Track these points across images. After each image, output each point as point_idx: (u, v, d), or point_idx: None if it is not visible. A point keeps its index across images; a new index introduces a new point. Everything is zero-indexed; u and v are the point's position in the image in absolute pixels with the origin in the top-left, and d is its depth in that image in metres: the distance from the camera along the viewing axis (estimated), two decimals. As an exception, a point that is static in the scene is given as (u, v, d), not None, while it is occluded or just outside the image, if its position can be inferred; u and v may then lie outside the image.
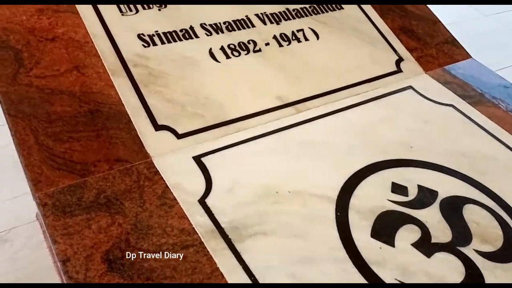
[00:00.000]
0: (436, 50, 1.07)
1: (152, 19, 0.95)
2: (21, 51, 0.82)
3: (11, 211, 1.33)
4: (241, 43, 0.97)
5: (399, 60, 1.03)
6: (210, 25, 0.98)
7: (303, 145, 0.80)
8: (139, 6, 0.96)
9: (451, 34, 1.15)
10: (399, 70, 1.00)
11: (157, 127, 0.78)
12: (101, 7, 0.93)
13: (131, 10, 0.95)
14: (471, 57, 1.12)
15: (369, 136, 0.83)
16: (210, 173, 0.73)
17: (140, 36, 0.91)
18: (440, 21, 1.16)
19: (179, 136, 0.78)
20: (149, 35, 0.92)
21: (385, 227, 0.70)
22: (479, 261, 0.68)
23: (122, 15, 0.94)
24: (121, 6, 0.94)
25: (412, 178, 0.77)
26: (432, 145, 0.84)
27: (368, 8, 1.14)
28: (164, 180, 0.71)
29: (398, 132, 0.85)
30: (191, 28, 0.96)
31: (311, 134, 0.82)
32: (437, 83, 0.97)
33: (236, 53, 0.95)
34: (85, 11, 0.91)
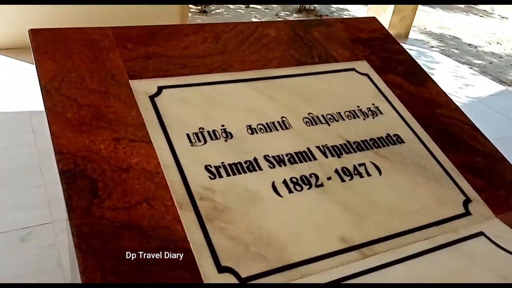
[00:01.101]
0: (505, 191, 1.04)
1: (219, 150, 0.98)
2: (97, 180, 0.86)
3: None
4: (303, 177, 0.98)
5: (467, 201, 1.00)
6: (273, 157, 1.00)
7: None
8: (207, 137, 1.00)
9: (519, 172, 1.12)
10: (467, 213, 0.97)
11: (220, 268, 0.78)
12: (173, 136, 0.98)
13: (199, 141, 0.99)
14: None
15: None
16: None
17: (207, 168, 0.94)
18: (506, 159, 1.14)
19: (242, 280, 0.77)
20: (215, 167, 0.95)
21: None
22: None
23: (192, 145, 0.98)
24: (191, 136, 0.99)
25: None
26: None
27: (430, 142, 1.14)
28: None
29: None
30: (255, 160, 0.99)
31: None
32: (510, 230, 0.93)
33: (298, 188, 0.96)
34: (158, 141, 0.96)
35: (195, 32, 1.23)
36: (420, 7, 4.49)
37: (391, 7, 4.01)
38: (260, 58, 1.22)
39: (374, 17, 1.50)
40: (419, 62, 4.24)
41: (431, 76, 3.64)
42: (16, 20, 2.76)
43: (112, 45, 1.10)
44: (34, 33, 1.05)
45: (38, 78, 0.98)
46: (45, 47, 1.03)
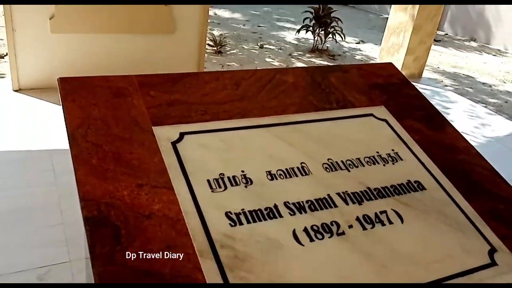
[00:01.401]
0: (530, 240, 1.02)
1: (239, 196, 0.99)
2: (120, 227, 0.87)
3: None
4: (324, 225, 0.98)
5: (492, 250, 0.98)
6: (294, 203, 1.00)
7: None
8: (227, 183, 1.01)
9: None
10: (493, 263, 0.95)
11: (243, 320, 0.77)
12: (194, 183, 0.99)
13: (220, 187, 1.00)
14: None
15: None
16: None
17: (227, 215, 0.95)
18: (529, 206, 1.12)
19: (265, 333, 0.75)
20: (236, 213, 0.95)
21: None
22: None
23: (212, 191, 0.98)
24: (212, 182, 1.00)
25: None
26: None
27: (452, 189, 1.14)
28: None
29: None
30: (275, 206, 0.99)
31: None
32: (537, 281, 0.90)
33: (319, 236, 0.95)
34: (180, 187, 0.97)
35: (216, 79, 1.26)
36: (432, 46, 4.53)
37: (404, 48, 4.06)
38: (279, 104, 1.24)
39: (390, 63, 1.52)
40: (434, 101, 4.25)
41: (446, 116, 3.67)
42: (41, 61, 2.86)
43: (136, 92, 1.13)
44: (63, 82, 1.09)
45: (65, 125, 1.00)
46: (73, 95, 1.07)
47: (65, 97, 1.05)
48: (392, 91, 1.41)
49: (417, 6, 3.86)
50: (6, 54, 4.10)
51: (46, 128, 2.54)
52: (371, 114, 1.30)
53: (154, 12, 3.00)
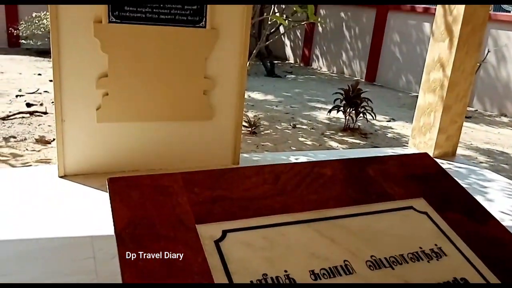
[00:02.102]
0: None
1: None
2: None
3: None
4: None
5: None
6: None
7: None
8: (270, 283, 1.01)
9: None
10: None
11: None
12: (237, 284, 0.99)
13: None
14: None
15: None
16: None
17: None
18: None
19: None
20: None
21: None
22: None
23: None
24: (255, 283, 1.00)
25: None
26: None
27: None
28: None
29: None
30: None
31: None
32: None
33: None
34: None
35: (256, 173, 1.31)
36: (463, 123, 4.52)
37: (436, 127, 4.08)
38: (319, 198, 1.26)
39: (426, 153, 1.54)
40: (470, 180, 4.15)
41: (484, 195, 3.54)
42: (86, 148, 3.01)
43: (181, 190, 1.18)
44: (112, 182, 1.15)
45: (114, 225, 1.05)
46: (121, 195, 1.12)
47: (114, 198, 1.11)
48: (430, 182, 1.41)
49: (445, 88, 3.92)
50: (53, 140, 4.35)
51: (87, 213, 2.62)
52: (411, 207, 1.30)
53: (193, 100, 3.16)
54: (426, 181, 1.41)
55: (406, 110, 7.21)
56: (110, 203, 1.11)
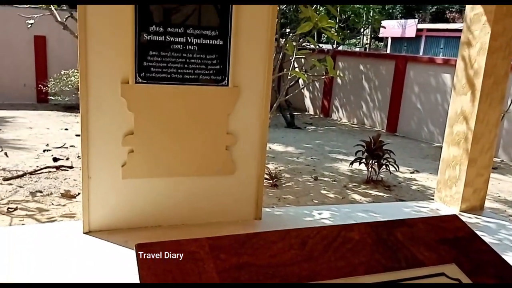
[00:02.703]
0: None
1: None
2: None
3: None
4: None
5: None
6: None
7: None
8: None
9: None
10: None
11: None
12: None
13: None
14: None
15: None
16: None
17: None
18: None
19: None
20: None
21: None
22: None
23: None
24: None
25: None
26: None
27: None
28: None
29: None
30: None
31: None
32: None
33: None
34: None
35: (282, 238, 1.29)
36: (491, 175, 4.42)
37: (462, 180, 4.00)
38: (347, 264, 1.24)
39: (455, 215, 1.51)
40: (500, 236, 4.02)
41: (517, 253, 3.32)
42: (111, 204, 3.04)
43: (207, 256, 1.17)
44: (139, 248, 1.15)
45: (141, 293, 1.04)
46: (148, 262, 1.12)
47: (142, 265, 1.11)
48: (461, 246, 1.37)
49: (469, 141, 3.88)
50: (78, 194, 4.42)
51: (112, 272, 2.61)
52: (442, 274, 1.26)
53: (216, 156, 3.20)
54: (457, 245, 1.37)
55: (429, 161, 7.13)
56: (138, 270, 1.11)
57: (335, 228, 1.37)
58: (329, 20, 4.06)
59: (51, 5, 5.57)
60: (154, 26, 2.80)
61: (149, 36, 2.81)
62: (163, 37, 2.84)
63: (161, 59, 2.87)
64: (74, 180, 4.98)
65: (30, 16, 6.48)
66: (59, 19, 5.99)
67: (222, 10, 2.92)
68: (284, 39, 8.70)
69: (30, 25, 6.00)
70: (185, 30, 2.87)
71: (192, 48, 2.92)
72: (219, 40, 2.96)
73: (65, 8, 5.98)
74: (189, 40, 2.90)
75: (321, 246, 1.28)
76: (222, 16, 2.92)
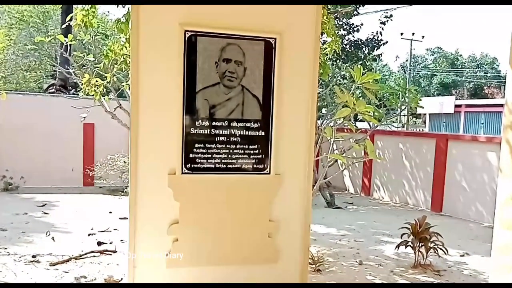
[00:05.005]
0: None
1: None
2: None
3: None
4: None
5: None
6: None
7: None
8: None
9: None
10: None
11: None
12: None
13: None
14: None
15: None
16: None
17: None
18: None
19: None
20: None
21: None
22: None
23: None
24: None
25: None
26: None
27: None
28: None
29: None
30: None
31: None
32: None
33: None
34: None
35: None
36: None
37: (519, 267, 3.77)
38: None
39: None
40: None
41: None
42: None
43: None
44: None
45: None
46: None
47: None
48: None
49: (524, 225, 3.71)
50: (121, 280, 4.43)
51: None
52: None
53: (259, 243, 3.20)
54: None
55: (480, 242, 6.78)
56: None
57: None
58: (367, 105, 4.16)
59: (102, 97, 5.99)
60: (200, 121, 2.96)
61: (195, 130, 2.96)
62: (208, 130, 2.99)
63: (206, 150, 3.00)
64: (117, 265, 5.02)
65: (82, 107, 6.96)
66: (108, 109, 6.40)
67: (264, 103, 3.07)
68: (321, 121, 8.89)
69: (83, 119, 6.42)
70: (229, 124, 3.02)
71: (236, 139, 3.04)
72: (261, 131, 3.08)
73: (114, 98, 6.40)
74: (233, 132, 3.03)
75: None
76: (264, 108, 3.06)
